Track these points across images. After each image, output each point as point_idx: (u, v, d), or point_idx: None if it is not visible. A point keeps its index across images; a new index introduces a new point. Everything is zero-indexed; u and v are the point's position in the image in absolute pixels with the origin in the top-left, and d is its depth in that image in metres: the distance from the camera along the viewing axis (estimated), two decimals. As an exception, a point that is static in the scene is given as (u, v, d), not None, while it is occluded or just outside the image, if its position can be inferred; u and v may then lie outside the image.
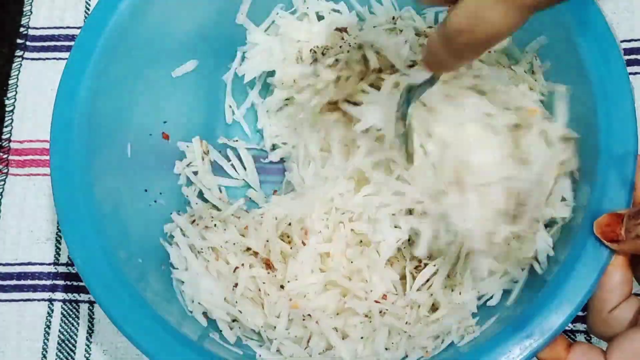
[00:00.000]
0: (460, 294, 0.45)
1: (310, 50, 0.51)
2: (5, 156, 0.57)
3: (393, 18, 0.52)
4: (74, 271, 0.54)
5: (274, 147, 0.55)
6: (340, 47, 0.50)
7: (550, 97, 0.47)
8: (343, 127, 0.49)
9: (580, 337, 0.50)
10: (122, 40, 0.46)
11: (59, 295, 0.53)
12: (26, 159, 0.56)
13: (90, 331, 0.52)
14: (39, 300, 0.53)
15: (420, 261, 0.46)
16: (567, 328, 0.39)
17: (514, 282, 0.45)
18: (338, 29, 0.51)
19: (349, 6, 0.53)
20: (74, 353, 0.52)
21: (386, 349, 0.44)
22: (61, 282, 0.53)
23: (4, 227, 0.55)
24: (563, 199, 0.44)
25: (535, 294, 0.40)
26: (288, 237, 0.48)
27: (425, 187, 0.43)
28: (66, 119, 0.44)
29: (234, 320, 0.46)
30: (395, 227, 0.45)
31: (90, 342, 0.52)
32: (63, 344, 0.52)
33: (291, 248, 0.47)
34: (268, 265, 0.47)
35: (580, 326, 0.51)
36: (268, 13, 0.53)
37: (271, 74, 0.53)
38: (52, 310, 0.53)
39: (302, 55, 0.51)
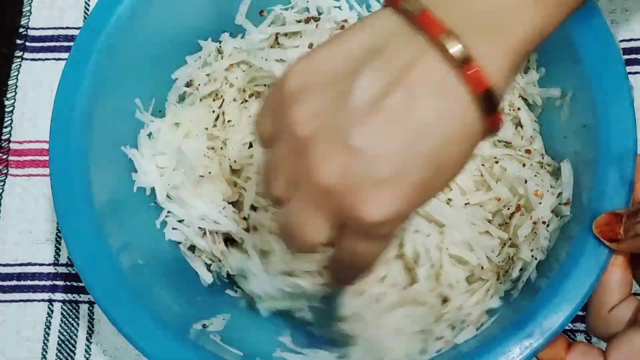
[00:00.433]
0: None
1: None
2: (4, 157, 0.57)
3: None
4: (73, 272, 0.54)
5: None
6: None
7: (547, 103, 0.47)
8: None
9: (580, 337, 0.50)
10: (121, 41, 0.46)
11: (59, 295, 0.53)
12: (26, 160, 0.56)
13: (90, 332, 0.52)
14: (38, 300, 0.53)
15: None
16: (566, 328, 0.39)
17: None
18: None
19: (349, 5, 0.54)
20: (74, 353, 0.52)
21: None
22: (61, 283, 0.53)
23: (3, 227, 0.55)
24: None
25: (535, 293, 0.40)
26: None
27: None
28: (66, 120, 0.43)
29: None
30: None
31: (90, 343, 0.52)
32: (63, 345, 0.52)
33: None
34: None
35: (580, 326, 0.51)
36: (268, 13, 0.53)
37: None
38: (52, 311, 0.53)
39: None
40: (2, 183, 0.56)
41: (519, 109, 0.48)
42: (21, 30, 0.60)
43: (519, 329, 0.38)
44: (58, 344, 0.52)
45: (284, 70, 0.32)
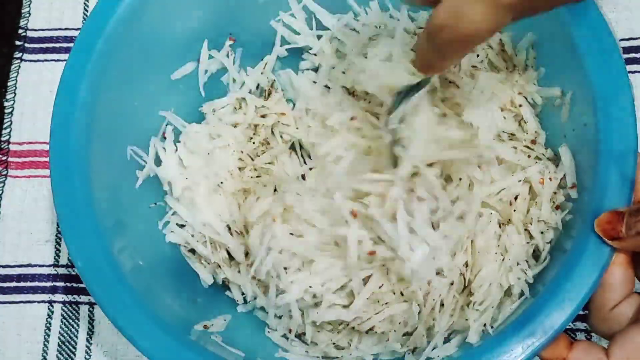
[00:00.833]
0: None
1: None
2: (4, 158, 0.56)
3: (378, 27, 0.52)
4: (74, 273, 0.53)
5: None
6: None
7: (547, 102, 0.47)
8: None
9: (581, 336, 0.50)
10: (121, 42, 0.45)
11: (59, 296, 0.53)
12: (25, 161, 0.56)
13: (91, 332, 0.52)
14: (39, 302, 0.53)
15: None
16: (567, 327, 0.39)
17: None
18: None
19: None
20: (74, 355, 0.52)
21: None
22: (61, 284, 0.53)
23: (3, 229, 0.55)
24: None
25: (537, 292, 0.40)
26: None
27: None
28: (66, 121, 0.43)
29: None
30: None
31: (91, 344, 0.52)
32: (63, 346, 0.52)
33: None
34: None
35: (581, 325, 0.51)
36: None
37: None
38: (52, 312, 0.53)
39: None
40: (1, 184, 0.56)
41: (520, 105, 0.48)
42: (20, 31, 0.60)
43: (521, 327, 0.38)
44: (58, 345, 0.52)
45: None
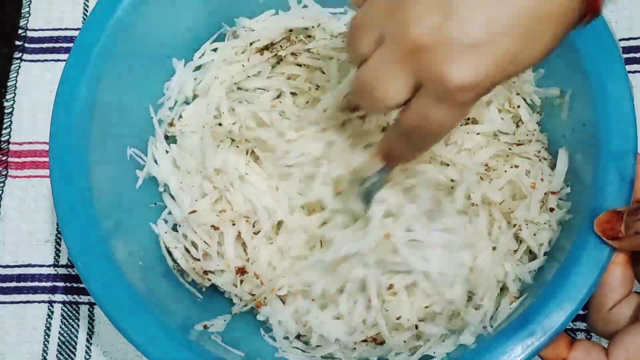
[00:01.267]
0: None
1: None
2: (4, 158, 0.56)
3: None
4: (73, 273, 0.54)
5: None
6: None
7: (546, 103, 0.47)
8: None
9: (581, 336, 0.50)
10: (121, 42, 0.45)
11: (59, 297, 0.53)
12: (25, 161, 0.56)
13: (91, 333, 0.52)
14: (38, 302, 0.53)
15: None
16: (567, 326, 0.39)
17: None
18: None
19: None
20: (74, 355, 0.52)
21: None
22: (61, 284, 0.53)
23: (3, 229, 0.55)
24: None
25: (537, 292, 0.40)
26: None
27: None
28: (65, 121, 0.43)
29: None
30: None
31: (91, 344, 0.52)
32: (63, 346, 0.52)
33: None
34: None
35: (581, 325, 0.51)
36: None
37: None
38: (52, 312, 0.53)
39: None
40: (1, 184, 0.56)
41: (518, 106, 0.48)
42: (20, 31, 0.60)
43: (521, 327, 0.38)
44: (58, 345, 0.52)
45: None
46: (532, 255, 0.46)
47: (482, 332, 0.42)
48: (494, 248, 0.45)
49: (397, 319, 0.43)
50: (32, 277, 0.54)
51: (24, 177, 0.56)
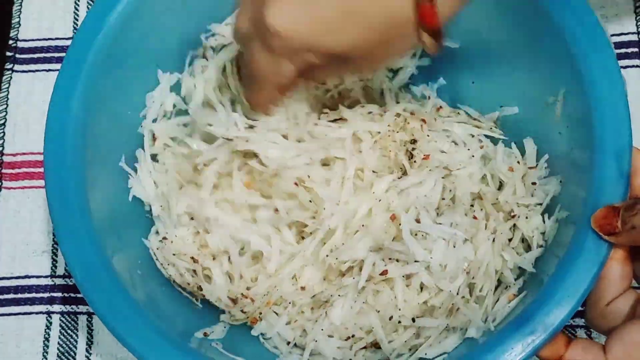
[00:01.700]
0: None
1: None
2: (-2, 170, 0.56)
3: None
4: (71, 283, 0.53)
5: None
6: None
7: (539, 100, 0.47)
8: None
9: (581, 332, 0.50)
10: (113, 51, 0.45)
11: (57, 307, 0.53)
12: (19, 172, 0.56)
13: (90, 343, 0.52)
14: (37, 313, 0.53)
15: None
16: (567, 323, 0.39)
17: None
18: None
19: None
20: (74, 365, 0.52)
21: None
22: (59, 295, 0.53)
23: (-1, 241, 0.55)
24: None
25: (536, 290, 0.40)
26: None
27: None
28: (59, 131, 0.43)
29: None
30: None
31: (90, 354, 0.52)
32: (62, 357, 0.52)
33: None
34: None
35: (580, 321, 0.51)
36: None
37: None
38: (51, 323, 0.53)
39: None
40: (-4, 196, 0.56)
41: None
42: (11, 42, 0.59)
43: (521, 325, 0.38)
44: (57, 356, 0.52)
45: None
46: (525, 244, 0.46)
47: (483, 329, 0.42)
48: (493, 240, 0.45)
49: (399, 309, 0.44)
50: (30, 289, 0.53)
51: (19, 188, 0.56)
